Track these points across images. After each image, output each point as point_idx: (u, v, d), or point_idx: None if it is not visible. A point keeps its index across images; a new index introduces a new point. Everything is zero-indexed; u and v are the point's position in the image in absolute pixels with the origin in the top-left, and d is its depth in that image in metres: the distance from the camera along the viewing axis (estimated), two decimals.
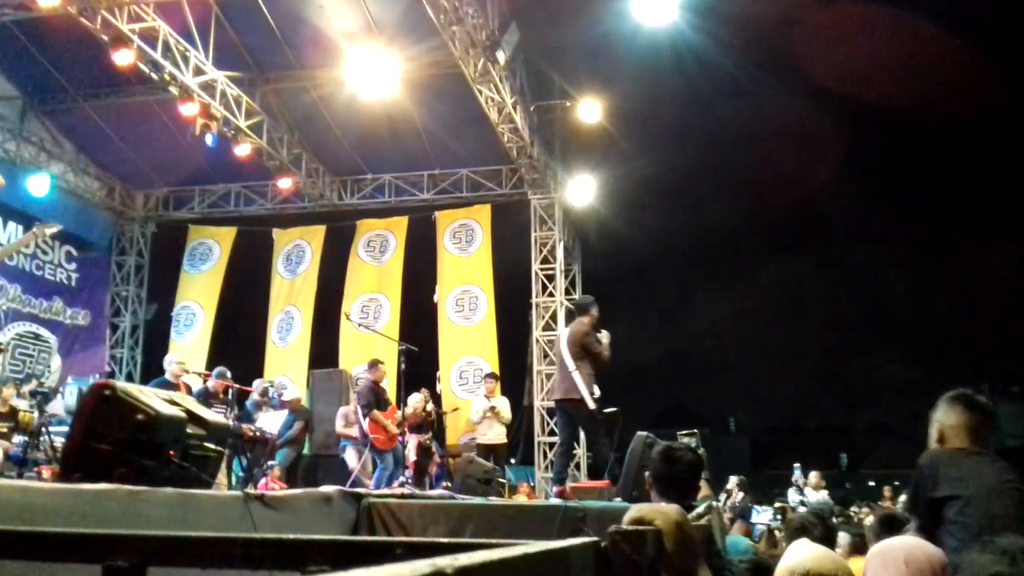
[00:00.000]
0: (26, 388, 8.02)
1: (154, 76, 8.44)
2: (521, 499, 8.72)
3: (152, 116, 10.74)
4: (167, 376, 7.83)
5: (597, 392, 5.89)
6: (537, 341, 11.11)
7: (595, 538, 0.97)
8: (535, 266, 11.26)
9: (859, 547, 3.41)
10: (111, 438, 3.11)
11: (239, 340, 12.42)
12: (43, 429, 6.76)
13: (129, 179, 12.46)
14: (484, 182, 11.75)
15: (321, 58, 9.76)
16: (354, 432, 8.88)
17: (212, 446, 3.68)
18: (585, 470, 10.58)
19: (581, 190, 10.90)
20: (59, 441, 6.14)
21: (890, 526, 3.29)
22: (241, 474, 7.82)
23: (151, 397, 3.37)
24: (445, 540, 0.88)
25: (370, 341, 10.29)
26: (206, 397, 7.54)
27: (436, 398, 9.93)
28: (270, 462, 8.26)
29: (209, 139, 9.13)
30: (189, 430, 3.49)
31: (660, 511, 1.13)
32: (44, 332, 11.09)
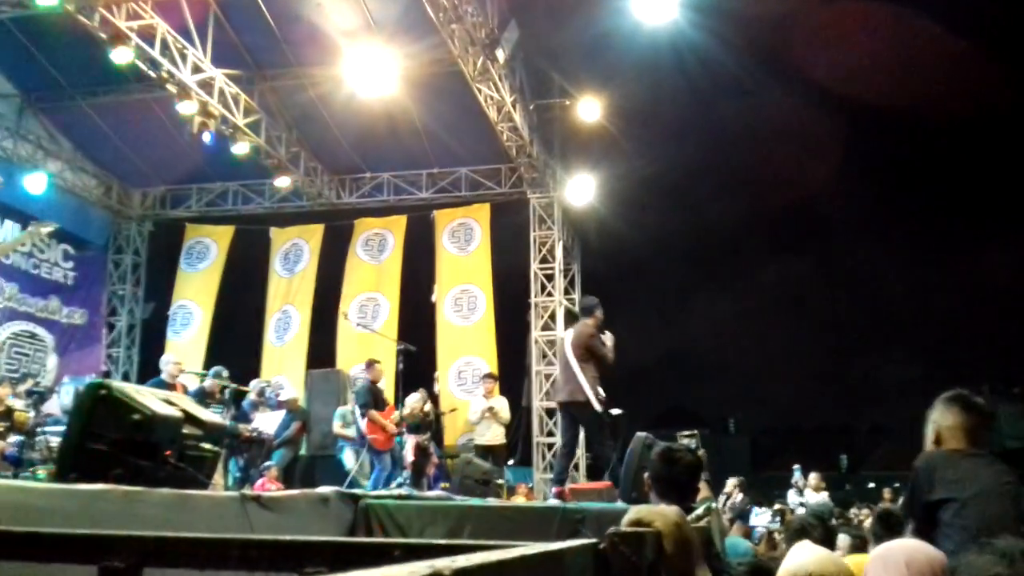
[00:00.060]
0: (22, 387, 8.01)
1: (152, 74, 8.41)
2: (519, 500, 8.71)
3: (150, 114, 10.71)
4: (163, 376, 7.82)
5: (603, 394, 5.88)
6: (536, 341, 11.10)
7: (594, 540, 0.96)
8: (534, 266, 11.25)
9: (859, 548, 3.41)
10: (107, 438, 3.09)
11: (236, 340, 12.40)
12: (39, 429, 6.74)
13: (126, 177, 12.44)
14: (483, 181, 11.74)
15: (320, 56, 9.74)
16: (351, 433, 8.87)
17: (208, 446, 3.67)
18: (584, 471, 10.56)
19: (580, 189, 10.89)
20: (55, 441, 6.12)
21: (888, 522, 3.28)
22: (238, 475, 7.81)
23: (147, 397, 3.36)
24: (443, 542, 0.87)
25: (368, 341, 10.28)
26: (203, 397, 7.53)
27: (434, 398, 9.92)
28: (267, 463, 8.24)
29: (207, 137, 9.11)
30: (185, 430, 3.49)
31: (659, 513, 1.12)
32: (40, 331, 11.06)
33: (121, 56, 7.89)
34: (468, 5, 7.97)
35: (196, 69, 8.69)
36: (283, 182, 11.07)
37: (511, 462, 10.60)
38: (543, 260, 11.26)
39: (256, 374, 10.73)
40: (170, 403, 3.56)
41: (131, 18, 7.85)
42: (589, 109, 10.36)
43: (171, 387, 7.29)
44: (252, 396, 8.90)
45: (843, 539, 3.60)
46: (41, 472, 5.76)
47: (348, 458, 8.88)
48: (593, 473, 9.98)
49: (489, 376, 9.84)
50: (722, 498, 9.35)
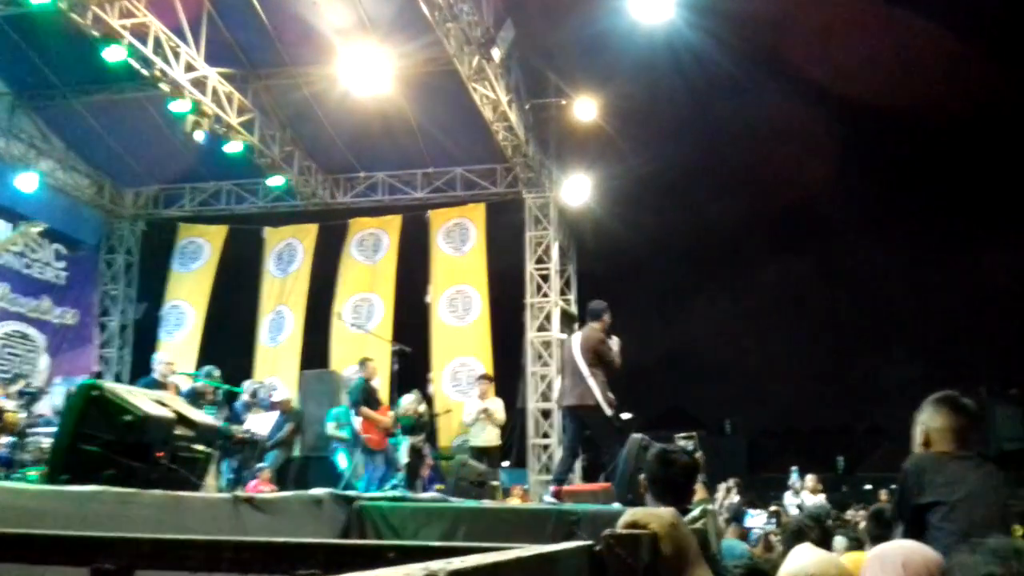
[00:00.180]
0: (13, 388, 7.95)
1: (145, 72, 8.37)
2: (514, 502, 8.71)
3: (143, 113, 10.66)
4: (155, 375, 7.78)
5: (613, 398, 5.89)
6: (531, 342, 11.09)
7: (589, 542, 0.95)
8: (530, 266, 11.25)
9: (855, 550, 3.41)
10: (99, 439, 3.07)
11: (229, 340, 12.35)
12: (30, 430, 6.70)
13: (119, 176, 12.38)
14: (478, 181, 11.73)
15: (314, 55, 9.71)
16: (345, 434, 8.84)
17: (201, 448, 3.65)
18: (579, 472, 10.56)
19: (576, 189, 10.90)
20: (47, 442, 6.08)
21: (881, 521, 3.29)
22: (230, 476, 7.78)
23: (139, 398, 3.34)
24: (438, 544, 0.87)
25: (362, 341, 10.26)
26: (195, 397, 7.49)
27: (428, 400, 9.90)
28: (260, 464, 8.21)
29: (200, 136, 9.07)
30: (178, 431, 3.47)
31: (655, 514, 1.11)
32: (32, 331, 11.00)
33: (114, 54, 7.85)
34: (463, 4, 7.96)
35: (189, 67, 8.66)
36: (277, 181, 11.04)
37: (506, 464, 10.59)
38: (539, 261, 11.26)
39: (249, 375, 10.70)
40: (162, 404, 3.54)
41: (124, 16, 7.82)
42: (585, 109, 10.36)
43: (162, 386, 7.25)
44: (245, 397, 8.87)
45: (839, 541, 3.61)
46: (33, 473, 5.73)
47: (342, 459, 8.85)
48: (588, 475, 9.98)
49: (484, 377, 9.82)
50: (718, 496, 9.37)
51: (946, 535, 2.35)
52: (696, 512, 2.72)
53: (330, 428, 9.10)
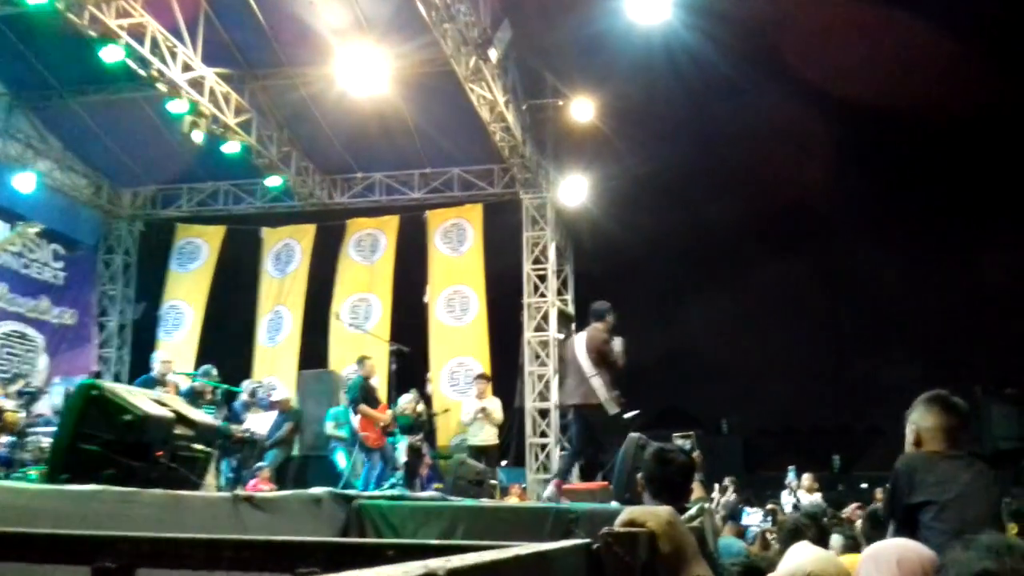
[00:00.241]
0: (13, 388, 7.95)
1: (142, 73, 8.36)
2: (513, 501, 8.72)
3: (140, 113, 10.65)
4: (153, 374, 7.79)
5: (619, 396, 5.92)
6: (529, 342, 11.09)
7: (587, 540, 0.96)
8: (527, 266, 11.25)
9: (852, 549, 3.43)
10: (99, 439, 3.08)
11: (227, 340, 12.34)
12: (30, 429, 6.70)
13: (116, 177, 12.36)
14: (476, 181, 11.73)
15: (311, 55, 9.71)
16: (344, 433, 8.85)
17: (200, 447, 3.66)
18: (577, 471, 10.57)
19: (573, 190, 10.91)
20: (46, 442, 6.08)
21: (876, 521, 3.31)
22: (230, 475, 7.79)
23: (139, 398, 3.35)
24: (437, 542, 0.88)
25: (360, 341, 10.27)
26: (194, 397, 7.50)
27: (426, 399, 9.91)
28: (259, 463, 8.22)
29: (198, 136, 9.07)
30: (177, 431, 3.47)
31: (652, 513, 1.12)
32: (31, 331, 10.98)
33: (111, 54, 7.84)
34: (460, 4, 7.97)
35: (186, 68, 8.65)
36: (274, 182, 11.03)
37: (504, 463, 10.60)
38: (536, 261, 11.27)
39: (247, 375, 10.69)
40: (162, 404, 3.54)
41: (121, 16, 7.81)
42: (582, 109, 10.37)
43: (160, 384, 7.26)
44: (244, 397, 8.88)
45: (836, 539, 3.62)
46: (32, 473, 5.73)
47: (341, 459, 8.86)
48: (586, 473, 9.99)
49: (482, 377, 9.84)
50: (714, 495, 9.39)
51: (938, 534, 2.36)
52: (693, 510, 2.73)
53: (329, 427, 9.11)
